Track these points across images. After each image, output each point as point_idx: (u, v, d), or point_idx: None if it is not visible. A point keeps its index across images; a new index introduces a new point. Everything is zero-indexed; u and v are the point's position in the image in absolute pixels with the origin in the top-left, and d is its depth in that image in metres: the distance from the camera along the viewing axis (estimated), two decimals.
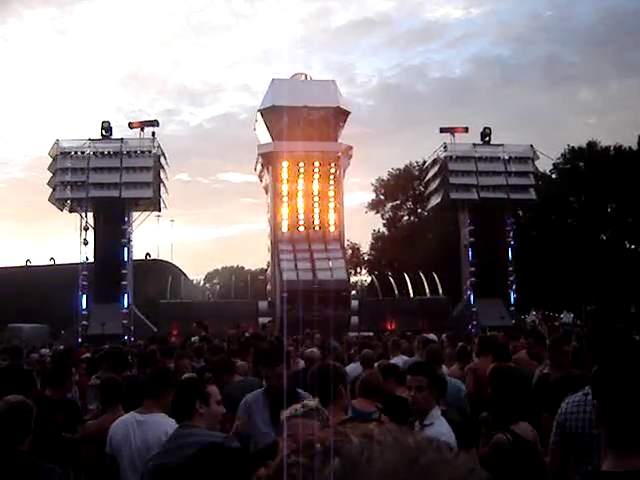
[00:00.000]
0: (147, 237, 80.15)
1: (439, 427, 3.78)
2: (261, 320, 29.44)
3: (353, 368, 7.88)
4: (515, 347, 9.87)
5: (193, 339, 15.63)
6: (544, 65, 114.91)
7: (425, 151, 55.78)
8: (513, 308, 35.92)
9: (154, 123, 36.73)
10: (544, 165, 42.55)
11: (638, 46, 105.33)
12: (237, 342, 12.36)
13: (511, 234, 36.81)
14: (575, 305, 42.52)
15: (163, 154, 36.18)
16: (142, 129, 36.09)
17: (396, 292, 38.16)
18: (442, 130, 37.78)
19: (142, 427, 4.72)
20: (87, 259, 34.94)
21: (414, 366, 4.93)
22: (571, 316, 42.70)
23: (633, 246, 47.65)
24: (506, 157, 37.29)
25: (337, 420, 3.49)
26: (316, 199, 36.83)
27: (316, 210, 36.86)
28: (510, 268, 36.27)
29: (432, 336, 14.82)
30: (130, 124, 36.78)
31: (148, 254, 44.98)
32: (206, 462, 3.45)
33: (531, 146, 37.89)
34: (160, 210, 37.40)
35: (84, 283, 34.14)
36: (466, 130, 37.94)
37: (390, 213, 60.14)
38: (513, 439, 4.72)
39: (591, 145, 48.13)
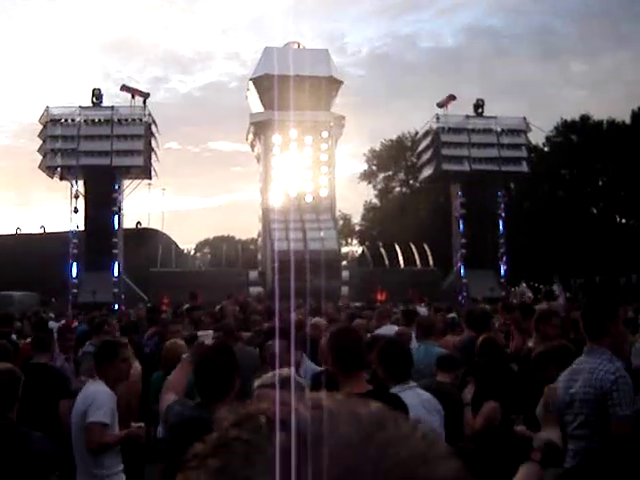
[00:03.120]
0: (138, 205, 79.62)
1: (406, 399, 3.74)
2: (252, 289, 29.52)
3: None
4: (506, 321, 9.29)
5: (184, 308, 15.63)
6: (537, 36, 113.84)
7: (417, 121, 55.36)
8: (503, 280, 36.11)
9: (145, 95, 36.36)
10: (536, 137, 42.51)
11: (632, 18, 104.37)
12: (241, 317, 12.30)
13: (502, 206, 36.87)
14: (565, 278, 42.73)
15: (154, 122, 35.87)
16: (133, 97, 35.79)
17: (387, 263, 38.23)
18: (440, 105, 37.53)
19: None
20: (77, 227, 34.80)
21: None
22: (561, 288, 42.87)
23: (624, 220, 47.82)
24: (499, 129, 37.15)
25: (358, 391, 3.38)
26: (308, 169, 36.73)
27: (308, 180, 36.78)
28: (501, 240, 36.39)
29: (423, 310, 14.86)
30: (122, 87, 36.42)
31: (139, 222, 44.60)
32: None
33: (524, 118, 37.81)
34: (151, 178, 37.18)
35: (75, 251, 34.05)
36: (454, 98, 37.62)
37: (382, 184, 60.11)
38: None
39: (584, 118, 48.06)
